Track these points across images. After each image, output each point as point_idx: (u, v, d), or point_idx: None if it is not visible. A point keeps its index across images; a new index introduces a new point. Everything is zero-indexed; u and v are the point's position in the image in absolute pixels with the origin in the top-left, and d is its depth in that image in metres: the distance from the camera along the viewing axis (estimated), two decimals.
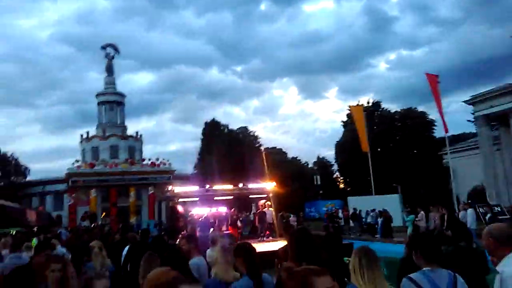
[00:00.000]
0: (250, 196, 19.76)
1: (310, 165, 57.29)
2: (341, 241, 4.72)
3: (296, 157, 59.60)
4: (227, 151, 50.02)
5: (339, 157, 46.54)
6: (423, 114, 43.59)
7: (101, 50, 57.91)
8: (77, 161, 49.07)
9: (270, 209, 18.16)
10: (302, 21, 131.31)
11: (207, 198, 18.97)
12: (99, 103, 56.57)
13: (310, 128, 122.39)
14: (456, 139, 45.60)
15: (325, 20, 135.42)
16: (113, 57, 57.69)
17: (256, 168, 44.29)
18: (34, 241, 11.94)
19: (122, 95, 57.91)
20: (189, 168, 58.91)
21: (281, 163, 46.79)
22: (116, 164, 48.63)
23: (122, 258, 7.55)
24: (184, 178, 57.34)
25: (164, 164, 50.75)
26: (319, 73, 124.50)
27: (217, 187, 19.76)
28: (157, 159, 50.82)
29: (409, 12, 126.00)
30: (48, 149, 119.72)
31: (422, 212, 19.31)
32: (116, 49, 58.07)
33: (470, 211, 17.14)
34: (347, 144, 44.88)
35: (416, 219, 18.78)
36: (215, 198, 18.97)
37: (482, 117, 32.31)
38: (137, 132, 56.95)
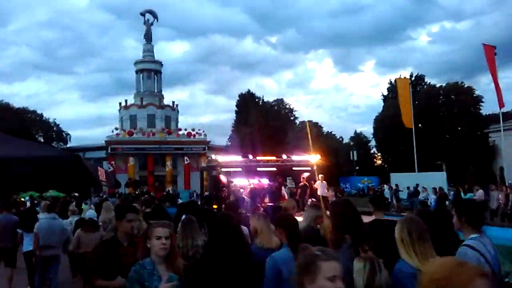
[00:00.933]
0: (294, 168, 19.31)
1: (346, 140, 56.35)
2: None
3: (331, 132, 58.69)
4: (263, 123, 49.60)
5: (378, 132, 45.21)
6: (470, 89, 41.44)
7: (140, 16, 57.74)
8: (116, 128, 50.14)
9: (324, 181, 17.80)
10: None
11: (249, 168, 18.75)
12: (137, 71, 57.11)
13: (344, 103, 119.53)
14: (506, 117, 43.28)
15: None
16: (151, 24, 57.66)
17: (292, 141, 43.88)
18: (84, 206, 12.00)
19: (160, 63, 58.14)
20: (222, 140, 59.06)
21: (317, 137, 45.98)
22: (153, 133, 49.34)
23: None
24: (218, 150, 57.66)
25: (200, 134, 51.11)
26: (356, 45, 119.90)
27: (260, 157, 19.43)
28: (193, 130, 51.19)
29: None
30: (87, 116, 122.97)
31: (480, 190, 18.29)
32: (155, 16, 57.89)
33: None
34: (387, 120, 43.48)
35: (474, 197, 17.83)
36: (258, 169, 18.71)
37: None
38: (173, 102, 57.37)
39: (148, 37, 57.71)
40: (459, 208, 3.17)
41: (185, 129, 51.04)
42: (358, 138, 52.06)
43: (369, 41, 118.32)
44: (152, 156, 48.74)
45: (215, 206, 17.49)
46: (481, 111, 41.87)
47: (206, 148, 50.83)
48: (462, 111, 39.59)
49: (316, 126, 51.20)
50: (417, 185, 21.58)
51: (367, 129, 55.63)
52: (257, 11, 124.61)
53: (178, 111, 57.59)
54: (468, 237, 3.01)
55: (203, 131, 51.19)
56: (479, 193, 17.63)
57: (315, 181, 17.04)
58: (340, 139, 56.88)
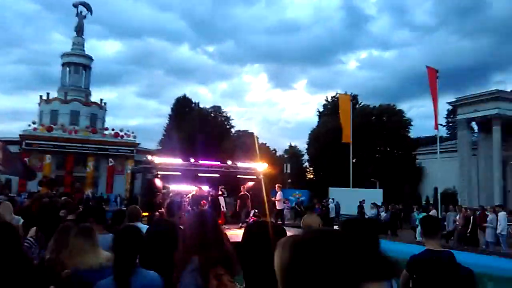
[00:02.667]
0: (238, 176, 17.87)
1: (279, 153, 56.16)
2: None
3: (265, 143, 58.25)
4: (198, 129, 47.77)
5: (312, 147, 45.33)
6: (401, 112, 43.05)
7: (71, 9, 53.73)
8: (33, 122, 45.41)
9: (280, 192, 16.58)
10: (281, 8, 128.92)
11: (190, 173, 17.01)
12: (63, 64, 52.71)
13: (275, 118, 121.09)
14: (427, 141, 45.48)
15: (304, 10, 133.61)
16: (84, 17, 53.76)
17: (228, 150, 42.53)
18: None
19: (90, 58, 54.19)
20: (150, 145, 56.28)
21: (252, 148, 45.12)
22: (76, 131, 45.43)
23: None
24: (148, 153, 54.76)
25: (128, 136, 47.95)
26: (290, 63, 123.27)
27: (202, 161, 17.78)
28: (121, 130, 47.94)
29: (386, 13, 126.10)
30: (3, 109, 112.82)
31: (433, 210, 18.08)
32: (88, 9, 54.04)
33: (502, 214, 15.65)
34: (321, 135, 43.78)
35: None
36: (199, 174, 17.03)
37: (464, 121, 31.78)
38: (101, 100, 53.57)
39: (79, 30, 53.72)
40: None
41: (113, 129, 47.63)
42: (292, 152, 52.00)
43: (303, 61, 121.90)
44: (72, 155, 44.72)
45: (145, 214, 15.56)
46: (409, 134, 43.54)
47: (135, 151, 47.80)
48: (393, 132, 40.80)
49: (251, 136, 50.41)
50: (363, 200, 20.98)
51: (298, 144, 55.99)
52: (196, 19, 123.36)
53: (106, 110, 53.90)
54: None
55: (132, 132, 48.13)
56: (433, 213, 17.29)
57: (258, 192, 15.82)
58: (274, 151, 56.61)
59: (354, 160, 38.86)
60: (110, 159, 46.05)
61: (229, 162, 18.81)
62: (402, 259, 2.92)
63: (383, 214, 19.13)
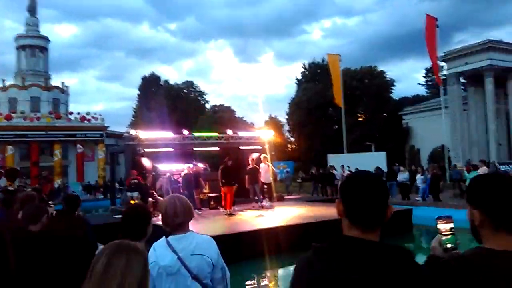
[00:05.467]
0: (241, 148, 15.54)
1: (257, 126, 54.03)
2: None
3: (242, 117, 55.98)
4: (170, 107, 44.93)
5: (294, 115, 43.28)
6: (383, 73, 41.43)
7: None
8: None
9: (267, 163, 13.89)
10: None
11: (183, 149, 14.57)
12: (18, 48, 48.39)
13: (244, 93, 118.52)
14: (411, 101, 44.26)
15: None
16: None
17: (204, 126, 40.02)
18: None
19: (46, 39, 50.00)
20: (118, 129, 53.02)
21: (230, 122, 42.77)
22: (38, 118, 41.85)
23: None
24: (118, 137, 51.61)
25: (96, 119, 44.64)
26: (255, 37, 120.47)
27: (198, 134, 15.36)
28: (87, 113, 44.55)
29: None
30: None
31: (484, 167, 15.99)
32: None
33: (483, 169, 14.18)
34: (302, 102, 41.81)
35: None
36: (195, 148, 14.62)
37: (454, 75, 30.29)
38: (62, 83, 49.73)
39: (32, 9, 49.22)
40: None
41: (78, 113, 44.15)
42: (273, 122, 49.95)
43: (267, 33, 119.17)
44: (36, 144, 41.24)
45: (132, 202, 13.11)
46: (391, 95, 42.14)
47: (104, 134, 44.63)
48: (377, 93, 39.22)
49: (228, 111, 47.96)
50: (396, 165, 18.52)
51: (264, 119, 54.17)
52: None
53: (68, 94, 50.12)
54: None
55: (100, 115, 44.80)
56: (483, 170, 14.98)
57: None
58: (251, 124, 54.46)
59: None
60: (79, 145, 42.79)
61: (229, 132, 16.52)
62: None
63: (419, 178, 16.61)
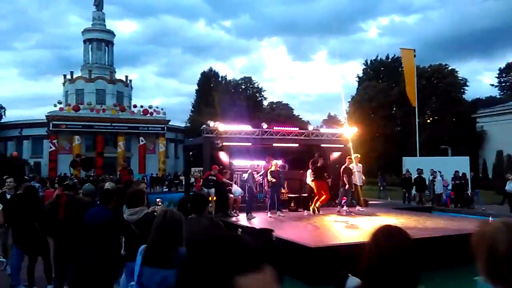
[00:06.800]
0: (323, 145, 14.75)
1: (315, 124, 52.94)
2: None
3: (299, 115, 55.09)
4: (228, 102, 44.87)
5: (355, 115, 41.78)
6: (455, 72, 38.95)
7: None
8: (59, 102, 43.37)
9: (360, 164, 12.93)
10: None
11: (262, 144, 14.06)
12: (85, 41, 50.33)
13: (296, 90, 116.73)
14: (485, 103, 41.45)
15: None
16: None
17: (262, 122, 39.58)
18: None
19: (112, 33, 51.64)
20: (178, 124, 53.81)
21: (288, 119, 42.11)
22: (103, 110, 43.23)
23: None
24: (177, 131, 52.44)
25: (158, 113, 45.50)
26: (309, 34, 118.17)
27: (278, 128, 14.78)
28: (150, 107, 45.49)
29: None
30: (27, 95, 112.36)
31: None
32: None
33: None
34: (364, 102, 40.35)
35: None
36: (275, 144, 14.08)
37: None
38: (126, 77, 51.19)
39: (98, 3, 50.90)
40: None
41: (141, 106, 45.19)
42: (333, 121, 48.72)
43: (321, 31, 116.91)
44: (102, 135, 42.66)
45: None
46: (464, 96, 39.66)
47: (165, 128, 45.44)
48: (447, 93, 37.01)
49: (286, 108, 47.30)
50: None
51: (317, 118, 52.57)
52: None
53: (132, 88, 51.54)
54: None
55: (162, 109, 45.60)
56: None
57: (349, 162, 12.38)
58: (308, 123, 53.45)
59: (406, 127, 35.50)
60: (141, 138, 43.84)
61: (310, 128, 15.85)
62: None
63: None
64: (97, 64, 48.84)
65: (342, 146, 14.85)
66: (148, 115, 44.68)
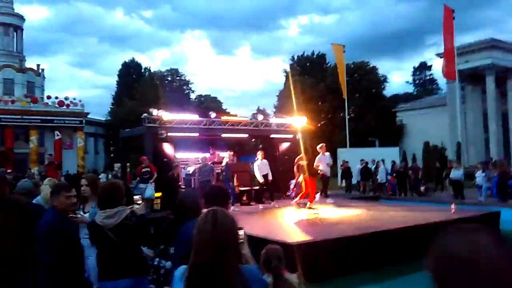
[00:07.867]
0: (272, 136, 14.20)
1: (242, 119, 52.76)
2: None
3: (226, 109, 54.53)
4: (152, 95, 42.88)
5: (284, 109, 42.29)
6: (375, 69, 41.04)
7: None
8: None
9: (326, 153, 12.33)
10: None
11: (210, 135, 13.16)
12: None
13: (220, 85, 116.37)
14: (403, 99, 44.22)
15: None
16: None
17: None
18: None
19: (21, 17, 46.90)
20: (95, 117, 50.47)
21: (218, 113, 41.32)
22: (12, 101, 39.06)
23: None
24: (97, 124, 49.18)
25: (75, 104, 42.14)
26: (232, 29, 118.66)
27: (226, 117, 13.96)
28: (66, 98, 41.98)
29: None
30: None
31: None
32: None
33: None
34: (291, 96, 40.92)
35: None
36: (223, 135, 13.25)
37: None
38: (38, 65, 46.81)
39: None
40: None
41: (56, 97, 41.53)
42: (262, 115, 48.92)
43: (244, 27, 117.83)
44: (11, 129, 38.56)
45: (158, 194, 11.73)
46: (383, 92, 41.91)
47: (84, 121, 42.29)
48: (368, 89, 38.82)
49: (215, 101, 46.43)
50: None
51: (243, 113, 52.78)
52: None
53: (44, 77, 47.29)
54: None
55: (80, 101, 42.36)
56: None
57: (299, 153, 11.82)
58: (235, 115, 53.17)
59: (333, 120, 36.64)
60: (56, 132, 40.20)
61: (260, 117, 15.27)
62: None
63: (480, 175, 14.58)
64: (4, 51, 44.05)
65: (292, 136, 14.56)
66: (64, 107, 41.21)
